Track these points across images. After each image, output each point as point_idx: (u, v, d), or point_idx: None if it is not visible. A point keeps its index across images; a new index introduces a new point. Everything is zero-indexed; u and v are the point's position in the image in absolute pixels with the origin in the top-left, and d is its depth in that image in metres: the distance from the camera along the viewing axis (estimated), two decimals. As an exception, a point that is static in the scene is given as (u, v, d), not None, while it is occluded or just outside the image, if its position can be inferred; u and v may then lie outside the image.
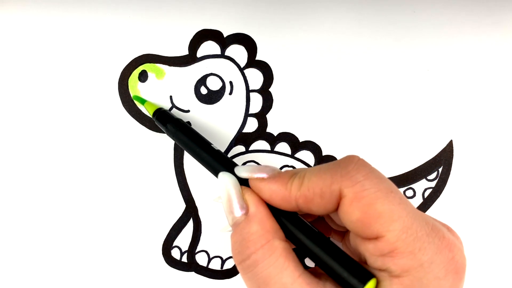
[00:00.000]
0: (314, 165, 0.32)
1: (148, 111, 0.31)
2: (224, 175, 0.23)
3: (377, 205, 0.18)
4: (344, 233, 0.25)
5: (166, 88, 0.32)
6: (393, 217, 0.18)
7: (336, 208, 0.20)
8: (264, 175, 0.22)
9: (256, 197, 0.22)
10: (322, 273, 0.21)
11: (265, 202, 0.22)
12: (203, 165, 0.26)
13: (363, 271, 0.19)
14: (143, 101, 0.31)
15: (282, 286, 0.19)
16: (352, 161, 0.20)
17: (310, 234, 0.21)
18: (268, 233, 0.20)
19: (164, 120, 0.29)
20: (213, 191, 0.32)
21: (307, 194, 0.20)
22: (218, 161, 0.25)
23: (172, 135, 0.28)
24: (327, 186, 0.19)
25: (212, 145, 0.26)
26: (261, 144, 0.32)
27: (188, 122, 0.31)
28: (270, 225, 0.21)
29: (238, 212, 0.21)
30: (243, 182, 0.23)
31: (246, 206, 0.21)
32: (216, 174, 0.24)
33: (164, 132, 0.32)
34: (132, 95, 0.32)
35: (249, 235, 0.20)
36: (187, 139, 0.27)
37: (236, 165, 0.24)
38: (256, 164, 0.24)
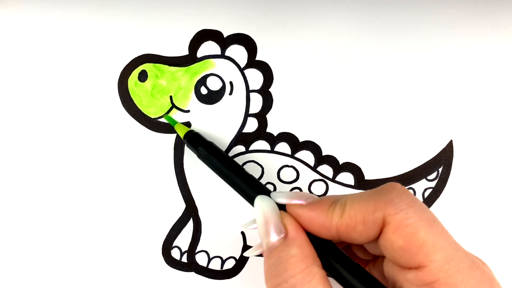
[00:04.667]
0: (314, 165, 0.32)
1: (178, 133, 0.31)
2: (262, 199, 0.23)
3: (420, 233, 0.18)
4: (367, 261, 0.25)
5: (166, 88, 0.31)
6: (436, 247, 0.18)
7: (378, 236, 0.20)
8: (302, 202, 0.22)
9: (295, 222, 0.21)
10: None
11: (302, 228, 0.21)
12: (235, 190, 0.26)
13: None
14: (174, 122, 0.31)
15: None
16: (394, 188, 0.20)
17: (348, 265, 0.20)
18: (308, 259, 0.20)
19: (195, 143, 0.29)
20: (213, 191, 0.32)
21: (349, 222, 0.20)
22: (251, 187, 0.25)
23: (203, 158, 0.28)
24: (370, 213, 0.19)
25: (244, 170, 0.26)
26: (261, 144, 0.32)
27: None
28: (309, 251, 0.20)
29: (275, 237, 0.21)
30: (279, 208, 0.23)
31: (285, 230, 0.21)
32: (249, 199, 0.24)
33: (164, 132, 0.32)
34: (164, 116, 0.32)
35: (288, 258, 0.20)
36: (219, 163, 0.27)
37: (270, 191, 0.24)
38: (293, 191, 0.24)
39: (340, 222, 0.20)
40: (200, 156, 0.29)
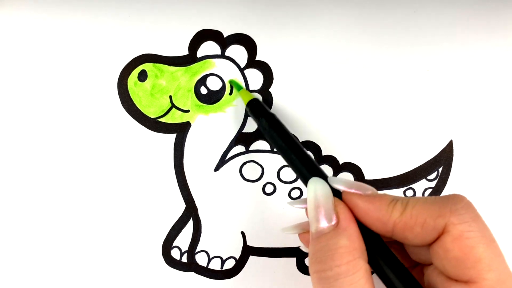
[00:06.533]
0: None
1: (242, 100, 0.30)
2: (317, 182, 0.22)
3: (479, 249, 0.18)
4: None
5: (166, 88, 0.31)
6: (492, 266, 0.18)
7: (432, 242, 0.20)
8: (361, 192, 0.21)
9: (349, 212, 0.21)
10: None
11: (355, 219, 0.21)
12: (292, 168, 0.25)
13: None
14: (239, 88, 0.30)
15: None
16: (462, 200, 0.20)
17: (395, 266, 0.20)
18: (356, 251, 0.20)
19: (257, 113, 0.28)
20: (213, 191, 0.32)
21: (409, 221, 0.20)
22: (308, 168, 0.24)
23: (263, 129, 0.28)
24: (433, 218, 0.19)
25: (304, 149, 0.25)
26: (261, 144, 0.32)
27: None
28: (359, 243, 0.20)
29: (325, 223, 0.21)
30: (334, 194, 0.22)
31: (337, 218, 0.21)
32: (303, 180, 0.24)
33: (164, 132, 0.32)
34: (229, 79, 0.31)
35: (337, 248, 0.20)
36: (279, 138, 0.26)
37: (326, 175, 0.23)
38: (351, 180, 0.23)
39: (399, 219, 0.20)
40: (260, 126, 0.28)
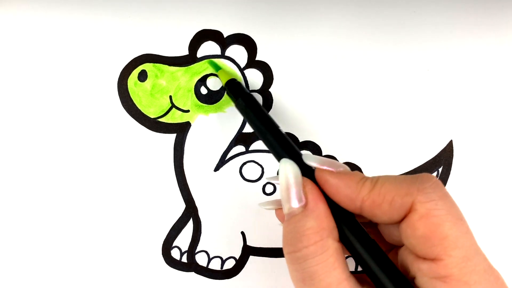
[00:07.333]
0: (314, 165, 0.32)
1: (220, 80, 0.30)
2: (286, 163, 0.22)
3: (445, 227, 0.18)
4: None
5: (166, 88, 0.31)
6: (457, 244, 0.18)
7: (400, 220, 0.20)
8: (332, 169, 0.22)
9: (317, 192, 0.21)
10: (368, 282, 0.21)
11: (324, 198, 0.21)
12: (268, 147, 0.25)
13: None
14: (217, 68, 0.30)
15: (327, 285, 0.19)
16: (430, 179, 0.20)
17: (365, 241, 0.20)
18: (323, 231, 0.20)
19: (235, 93, 0.28)
20: (213, 191, 0.32)
21: (377, 198, 0.20)
22: (283, 147, 0.24)
23: (241, 110, 0.28)
24: (400, 196, 0.19)
25: (279, 129, 0.25)
26: (261, 144, 0.32)
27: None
28: (327, 223, 0.20)
29: (296, 204, 0.21)
30: (306, 173, 0.22)
31: (305, 199, 0.21)
32: (279, 159, 0.24)
33: (164, 132, 0.32)
34: (208, 60, 0.31)
35: (304, 229, 0.20)
36: (256, 118, 0.26)
37: (300, 153, 0.23)
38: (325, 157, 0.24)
39: (367, 196, 0.20)
40: (238, 106, 0.28)
